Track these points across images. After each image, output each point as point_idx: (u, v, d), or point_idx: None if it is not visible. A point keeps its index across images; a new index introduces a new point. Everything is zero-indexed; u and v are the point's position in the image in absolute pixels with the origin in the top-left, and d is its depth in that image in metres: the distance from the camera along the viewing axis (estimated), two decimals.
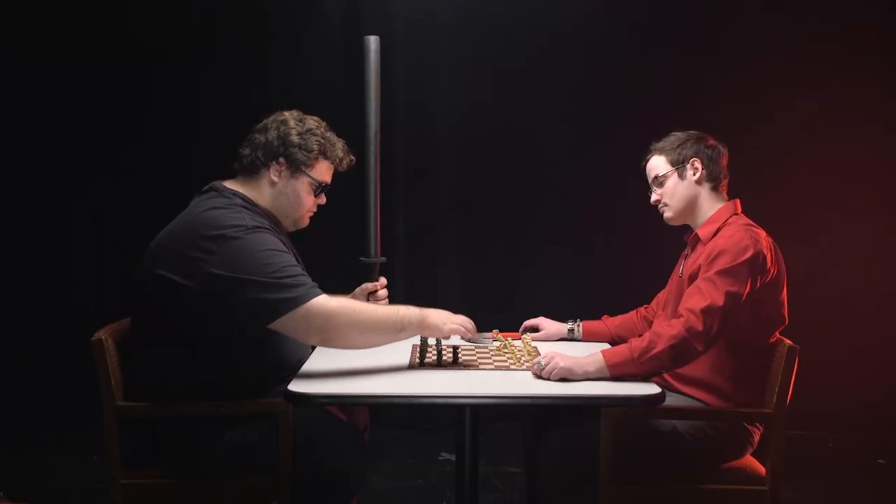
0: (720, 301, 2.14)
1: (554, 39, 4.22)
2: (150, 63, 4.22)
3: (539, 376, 2.10)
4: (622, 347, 2.15)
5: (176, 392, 2.14)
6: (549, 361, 2.09)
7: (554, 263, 4.30)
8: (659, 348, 2.10)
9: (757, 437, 2.31)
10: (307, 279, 2.11)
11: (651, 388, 2.04)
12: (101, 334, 2.17)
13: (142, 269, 2.16)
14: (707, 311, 2.13)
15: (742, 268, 2.18)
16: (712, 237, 2.34)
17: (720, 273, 2.18)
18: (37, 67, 4.24)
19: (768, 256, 2.24)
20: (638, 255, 4.05)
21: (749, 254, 2.20)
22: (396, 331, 2.15)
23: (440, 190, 4.35)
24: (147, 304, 2.16)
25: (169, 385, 2.14)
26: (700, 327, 2.12)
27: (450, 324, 2.20)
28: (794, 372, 2.19)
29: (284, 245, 2.22)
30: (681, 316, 2.16)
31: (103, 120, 4.24)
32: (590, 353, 2.14)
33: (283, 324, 2.05)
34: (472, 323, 2.25)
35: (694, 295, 2.19)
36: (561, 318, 2.71)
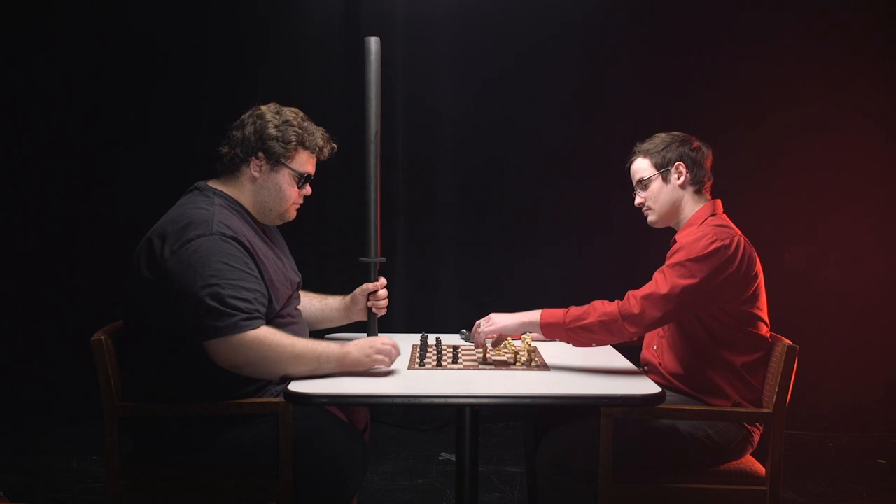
0: (663, 290, 2.20)
1: (554, 39, 4.23)
2: (150, 63, 4.22)
3: (477, 343, 2.33)
4: (560, 310, 2.27)
5: (174, 392, 2.13)
6: (487, 322, 2.30)
7: (553, 263, 4.31)
8: (590, 320, 2.22)
9: (757, 437, 2.31)
10: (246, 305, 2.05)
11: (651, 388, 2.05)
12: (101, 334, 2.17)
13: (130, 267, 2.18)
14: (647, 298, 2.20)
15: (695, 263, 2.21)
16: None
17: (671, 265, 2.24)
18: (37, 67, 4.24)
19: (737, 253, 2.23)
20: (637, 254, 4.04)
21: (707, 250, 2.21)
22: (312, 367, 2.09)
23: (440, 189, 4.36)
24: (134, 303, 2.17)
25: (167, 385, 2.14)
26: (635, 311, 2.19)
27: (373, 354, 2.11)
28: (794, 372, 2.20)
29: (252, 253, 2.15)
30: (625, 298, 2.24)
31: (103, 120, 4.24)
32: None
33: (206, 347, 2.04)
34: (397, 345, 2.16)
35: (646, 284, 2.26)
36: None
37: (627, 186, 2.56)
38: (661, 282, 2.22)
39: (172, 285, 2.06)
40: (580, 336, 2.26)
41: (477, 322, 2.37)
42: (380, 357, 2.12)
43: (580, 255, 4.28)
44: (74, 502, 3.22)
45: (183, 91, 4.23)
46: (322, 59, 4.27)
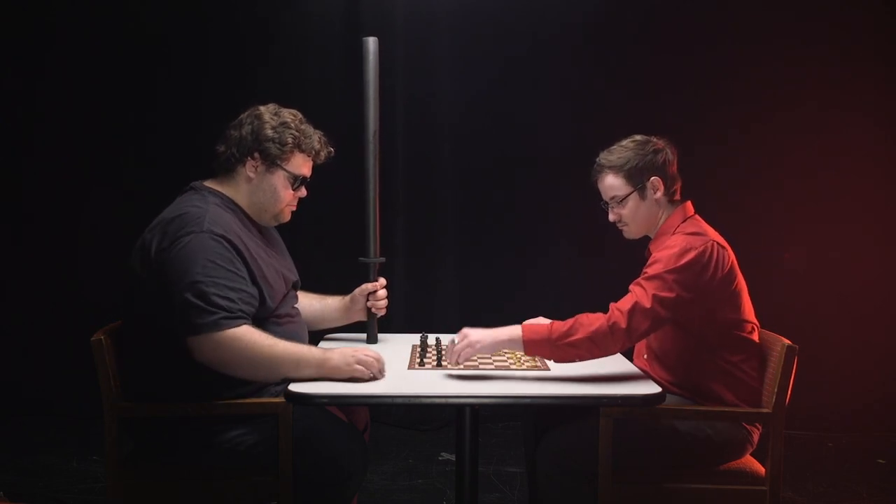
0: (647, 303, 2.17)
1: (555, 39, 4.23)
2: (150, 63, 4.22)
3: (451, 361, 2.17)
4: (543, 326, 2.18)
5: (174, 392, 2.13)
6: (461, 339, 2.15)
7: (554, 263, 4.31)
8: (578, 336, 2.14)
9: (756, 437, 2.31)
10: (229, 304, 2.04)
11: (651, 388, 2.05)
12: (100, 334, 2.17)
13: (127, 267, 2.19)
14: (633, 311, 2.17)
15: (671, 274, 2.19)
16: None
17: (649, 278, 2.22)
18: (38, 67, 4.24)
19: (711, 258, 2.22)
20: (637, 254, 4.04)
21: (681, 261, 2.20)
22: (290, 370, 2.08)
23: (440, 190, 4.36)
24: (131, 302, 2.18)
25: (167, 384, 2.14)
26: (623, 325, 2.15)
27: (354, 364, 2.07)
28: (794, 372, 2.20)
29: (242, 253, 2.15)
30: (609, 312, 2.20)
31: (103, 120, 4.24)
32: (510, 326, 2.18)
33: (188, 344, 2.04)
34: (381, 359, 2.12)
35: (626, 297, 2.22)
36: (560, 318, 2.71)
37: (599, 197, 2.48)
38: (642, 295, 2.18)
39: (161, 281, 2.07)
40: (566, 353, 2.16)
41: (451, 339, 2.22)
42: (360, 368, 2.07)
43: (581, 255, 4.28)
44: (74, 502, 3.22)
45: (183, 91, 4.23)
46: (322, 59, 4.27)
